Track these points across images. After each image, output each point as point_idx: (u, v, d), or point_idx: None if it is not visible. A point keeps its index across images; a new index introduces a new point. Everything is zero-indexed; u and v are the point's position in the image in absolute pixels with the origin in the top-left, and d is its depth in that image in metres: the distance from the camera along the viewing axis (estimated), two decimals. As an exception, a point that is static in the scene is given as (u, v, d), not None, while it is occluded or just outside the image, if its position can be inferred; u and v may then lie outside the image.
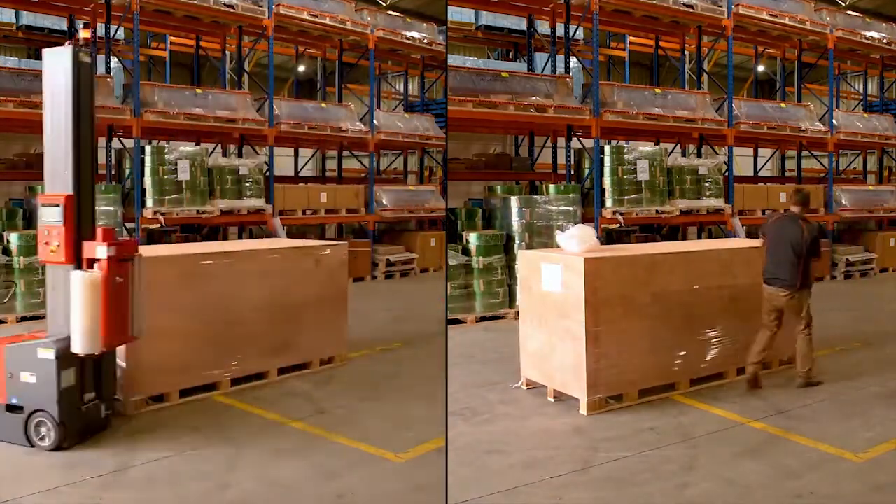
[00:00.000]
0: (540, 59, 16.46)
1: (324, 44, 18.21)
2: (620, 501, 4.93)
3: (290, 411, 6.59)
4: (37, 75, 11.97)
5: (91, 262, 5.69)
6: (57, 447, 5.53)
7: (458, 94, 11.58)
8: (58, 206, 5.68)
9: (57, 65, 5.80)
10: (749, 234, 13.74)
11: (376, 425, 6.32)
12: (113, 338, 5.68)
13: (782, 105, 16.15)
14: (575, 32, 14.56)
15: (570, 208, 11.67)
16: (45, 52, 5.91)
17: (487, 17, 18.65)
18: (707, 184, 13.46)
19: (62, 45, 5.82)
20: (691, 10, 13.92)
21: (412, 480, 5.30)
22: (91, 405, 5.84)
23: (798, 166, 18.56)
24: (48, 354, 5.56)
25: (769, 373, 7.58)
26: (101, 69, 14.15)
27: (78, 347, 5.57)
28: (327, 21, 15.67)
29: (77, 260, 5.72)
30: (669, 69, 18.52)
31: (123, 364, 6.37)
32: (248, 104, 14.49)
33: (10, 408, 5.67)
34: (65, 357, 5.59)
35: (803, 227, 7.13)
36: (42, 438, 5.58)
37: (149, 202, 12.34)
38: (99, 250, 5.64)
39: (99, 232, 5.71)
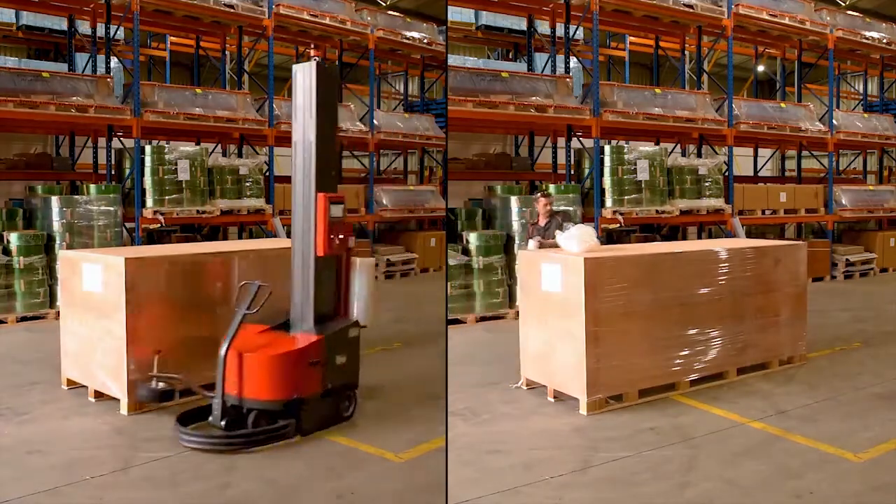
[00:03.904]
0: (540, 59, 16.46)
1: (324, 44, 18.18)
2: (620, 501, 4.93)
3: (290, 411, 6.59)
4: (37, 75, 12.13)
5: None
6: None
7: (458, 94, 11.58)
8: (342, 203, 6.40)
9: (325, 78, 6.52)
10: (749, 234, 13.75)
11: (376, 425, 6.31)
12: None
13: (782, 105, 16.14)
14: (575, 32, 14.55)
15: (570, 208, 11.67)
16: (315, 66, 6.60)
17: (487, 17, 18.65)
18: (707, 184, 13.46)
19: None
20: (691, 10, 13.92)
21: (412, 480, 5.30)
22: None
23: (798, 166, 18.56)
24: (357, 333, 6.36)
25: (769, 373, 7.59)
26: (101, 69, 14.19)
27: (364, 320, 6.44)
28: (327, 21, 15.68)
29: None
30: (669, 69, 18.51)
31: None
32: (248, 104, 14.49)
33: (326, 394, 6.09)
34: None
35: None
36: (346, 410, 6.27)
37: (149, 202, 12.34)
38: (350, 241, 6.45)
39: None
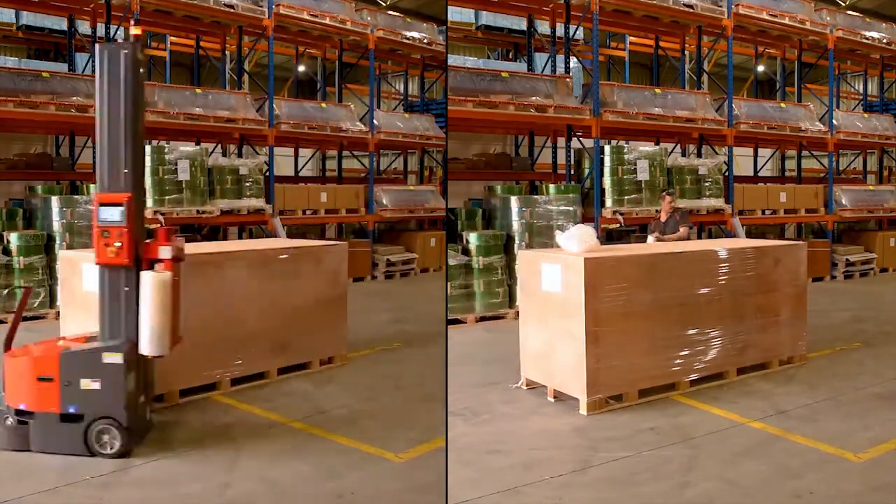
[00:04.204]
0: (540, 59, 16.46)
1: (324, 44, 18.21)
2: (620, 501, 4.93)
3: (291, 411, 6.60)
4: (37, 75, 12.13)
5: (150, 263, 5.62)
6: (122, 454, 5.48)
7: (458, 94, 11.57)
8: (120, 205, 5.52)
9: (112, 61, 5.60)
10: (749, 234, 13.75)
11: (376, 425, 6.32)
12: (175, 338, 5.70)
13: (782, 105, 16.14)
14: (575, 32, 14.55)
15: (570, 208, 11.67)
16: (99, 48, 5.66)
17: (487, 17, 18.66)
18: (707, 184, 13.46)
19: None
20: (691, 10, 13.91)
21: (412, 480, 5.31)
22: (142, 408, 5.83)
23: (798, 166, 18.56)
24: (116, 359, 5.52)
25: (769, 373, 7.59)
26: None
27: (148, 349, 5.54)
28: (327, 21, 15.67)
29: (136, 261, 5.61)
30: (669, 69, 18.51)
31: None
32: (248, 104, 14.49)
33: (67, 417, 5.52)
34: (128, 361, 5.57)
35: None
36: (104, 446, 5.48)
37: (149, 202, 12.32)
38: (162, 251, 5.60)
39: (160, 232, 5.67)
